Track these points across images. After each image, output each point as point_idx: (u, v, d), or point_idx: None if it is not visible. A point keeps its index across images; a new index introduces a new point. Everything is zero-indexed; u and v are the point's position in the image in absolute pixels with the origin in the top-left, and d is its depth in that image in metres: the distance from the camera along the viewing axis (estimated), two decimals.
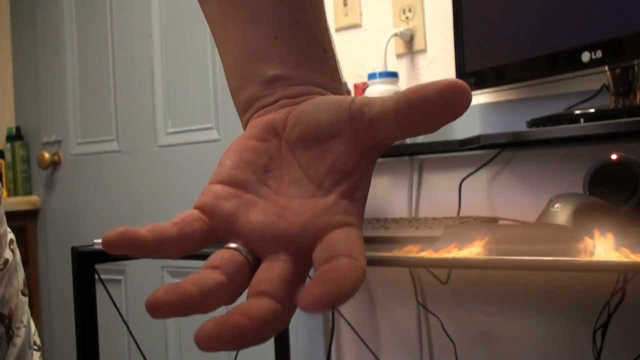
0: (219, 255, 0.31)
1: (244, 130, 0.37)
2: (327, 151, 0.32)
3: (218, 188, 0.33)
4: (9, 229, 0.52)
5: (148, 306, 0.27)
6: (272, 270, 0.30)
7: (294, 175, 0.33)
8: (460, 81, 0.29)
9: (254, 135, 0.35)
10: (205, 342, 0.25)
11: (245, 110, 0.37)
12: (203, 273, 0.29)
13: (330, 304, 0.25)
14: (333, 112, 0.33)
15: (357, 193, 0.32)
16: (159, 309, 0.26)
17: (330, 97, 0.34)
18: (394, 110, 0.31)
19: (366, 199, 0.33)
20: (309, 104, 0.34)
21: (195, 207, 0.33)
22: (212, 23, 0.39)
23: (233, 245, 0.32)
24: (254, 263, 0.31)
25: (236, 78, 0.37)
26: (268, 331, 0.27)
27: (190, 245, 0.31)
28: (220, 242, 0.33)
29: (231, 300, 0.30)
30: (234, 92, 0.38)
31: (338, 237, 0.30)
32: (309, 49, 0.36)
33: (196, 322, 0.26)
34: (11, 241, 0.51)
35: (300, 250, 0.30)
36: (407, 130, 0.31)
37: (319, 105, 0.34)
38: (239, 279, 0.30)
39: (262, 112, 0.36)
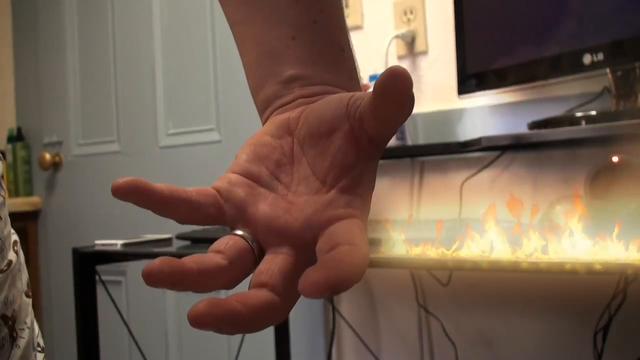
0: (223, 241, 0.32)
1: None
2: (328, 146, 0.33)
3: (233, 176, 0.34)
4: (12, 230, 0.52)
5: (144, 274, 0.28)
6: (273, 263, 0.30)
7: (302, 172, 0.34)
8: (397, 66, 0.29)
9: (269, 131, 0.36)
10: (196, 318, 0.26)
11: (265, 108, 0.38)
12: (206, 255, 0.30)
13: (330, 289, 0.25)
14: (335, 107, 0.33)
15: (359, 188, 0.32)
16: (153, 276, 0.27)
17: (338, 94, 0.35)
18: (370, 101, 0.31)
19: (370, 195, 0.33)
20: (319, 101, 0.35)
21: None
22: (233, 24, 0.40)
23: (239, 232, 0.32)
24: (258, 252, 0.32)
25: (256, 78, 0.39)
26: (263, 321, 0.28)
27: (198, 213, 0.32)
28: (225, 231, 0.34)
29: (230, 285, 0.30)
30: (254, 91, 0.39)
31: (340, 227, 0.30)
32: (325, 48, 0.37)
33: None
34: (15, 242, 0.51)
35: (304, 244, 0.31)
36: (379, 118, 0.31)
37: (326, 102, 0.35)
38: (241, 266, 0.31)
39: (280, 111, 0.37)
